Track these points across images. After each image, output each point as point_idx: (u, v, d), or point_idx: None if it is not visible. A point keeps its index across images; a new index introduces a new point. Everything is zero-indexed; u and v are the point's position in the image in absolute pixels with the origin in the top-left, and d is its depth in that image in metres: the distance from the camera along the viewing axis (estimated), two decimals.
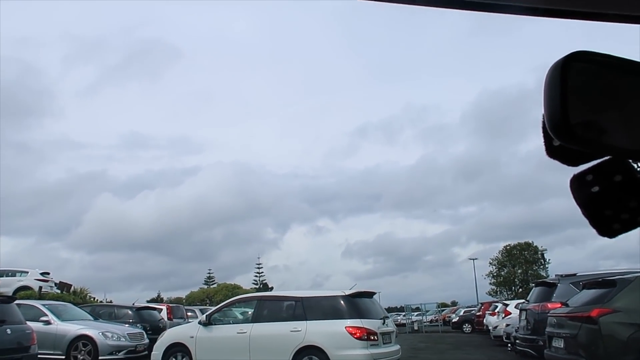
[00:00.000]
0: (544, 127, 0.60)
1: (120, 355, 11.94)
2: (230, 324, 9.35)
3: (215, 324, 9.19)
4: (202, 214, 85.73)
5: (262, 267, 70.82)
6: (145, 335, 13.16)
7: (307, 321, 8.22)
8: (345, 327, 7.89)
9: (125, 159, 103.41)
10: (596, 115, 0.58)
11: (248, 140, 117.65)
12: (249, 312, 9.26)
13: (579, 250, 75.41)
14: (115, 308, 16.10)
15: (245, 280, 70.91)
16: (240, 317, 9.71)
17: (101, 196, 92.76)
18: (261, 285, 67.29)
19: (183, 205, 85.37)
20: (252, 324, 8.75)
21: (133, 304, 16.53)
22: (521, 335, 9.77)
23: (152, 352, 9.73)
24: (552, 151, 0.61)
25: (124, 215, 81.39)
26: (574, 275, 9.11)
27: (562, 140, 0.56)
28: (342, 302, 8.30)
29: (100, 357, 11.53)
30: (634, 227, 0.60)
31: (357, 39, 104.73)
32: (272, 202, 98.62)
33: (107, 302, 25.69)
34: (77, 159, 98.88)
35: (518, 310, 18.85)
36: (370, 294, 9.09)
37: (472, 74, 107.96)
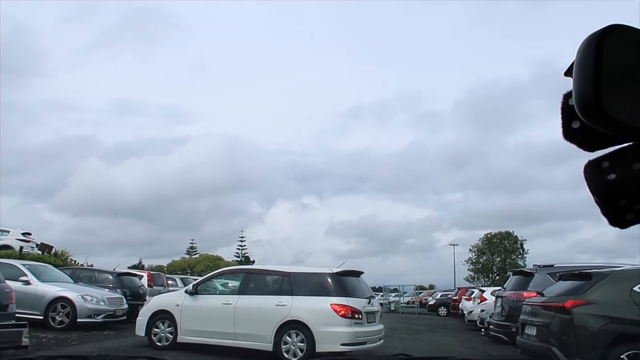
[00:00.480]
0: (563, 108, 0.58)
1: (99, 318, 11.97)
2: (217, 294, 9.37)
3: (201, 294, 9.24)
4: (188, 184, 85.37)
5: (245, 240, 71.20)
6: (125, 301, 13.20)
7: (293, 296, 8.29)
8: (331, 305, 7.96)
9: (114, 125, 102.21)
10: (628, 96, 0.53)
11: (240, 113, 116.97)
12: (236, 284, 9.29)
13: (558, 242, 77.05)
14: (95, 272, 16.06)
15: (228, 253, 71.34)
16: (226, 288, 9.69)
17: (88, 160, 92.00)
18: (243, 258, 67.71)
19: (170, 175, 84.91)
20: (238, 295, 8.79)
21: (114, 269, 16.46)
22: (495, 321, 10.01)
23: (137, 318, 9.75)
24: (570, 134, 0.58)
25: (109, 180, 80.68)
26: (552, 266, 9.32)
27: (591, 121, 0.52)
28: (329, 279, 8.36)
29: (78, 320, 11.55)
30: None
31: (358, 18, 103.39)
32: (260, 176, 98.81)
33: (88, 266, 25.62)
34: (66, 122, 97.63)
35: (494, 297, 19.34)
36: (357, 273, 9.16)
37: (468, 64, 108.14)
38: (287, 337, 8.07)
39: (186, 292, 9.50)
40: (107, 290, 13.46)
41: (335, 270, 8.59)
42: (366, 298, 8.55)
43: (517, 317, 8.84)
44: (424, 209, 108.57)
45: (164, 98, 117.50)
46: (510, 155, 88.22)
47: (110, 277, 15.20)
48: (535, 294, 8.01)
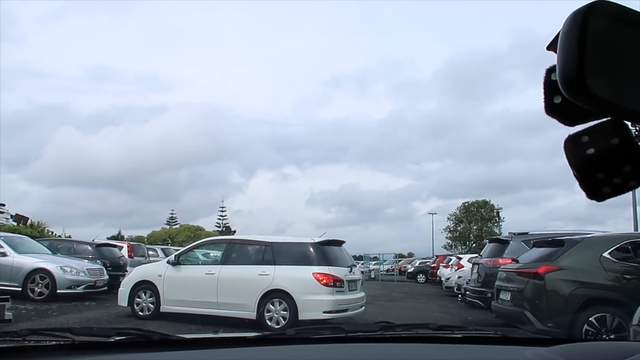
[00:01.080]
0: (546, 82, 0.58)
1: (79, 289, 11.94)
2: (199, 264, 9.43)
3: (184, 264, 9.29)
4: (168, 154, 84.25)
5: (225, 211, 71.10)
6: (105, 272, 13.15)
7: (276, 266, 8.42)
8: (313, 273, 8.11)
9: (89, 92, 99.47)
10: (610, 72, 0.53)
11: (219, 82, 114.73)
12: (218, 255, 9.30)
13: (532, 210, 78.98)
14: (74, 243, 15.89)
15: (209, 223, 71.02)
16: (209, 258, 9.70)
17: (63, 129, 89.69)
18: (224, 228, 67.74)
19: (149, 144, 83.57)
20: (221, 265, 8.87)
21: (93, 240, 16.36)
22: (471, 288, 10.31)
23: (120, 289, 9.79)
24: (552, 109, 0.58)
25: (86, 150, 79.12)
26: (526, 233, 9.57)
27: (573, 96, 0.52)
28: (311, 249, 8.50)
29: (58, 291, 11.50)
30: (624, 192, 0.58)
31: None
32: (240, 146, 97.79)
33: (65, 237, 25.37)
34: (38, 89, 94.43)
35: (471, 264, 19.85)
36: (339, 242, 9.29)
37: (448, 33, 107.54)
38: (270, 306, 8.21)
39: (168, 262, 9.54)
40: (86, 261, 13.38)
41: (317, 239, 8.71)
42: (348, 267, 8.72)
43: (493, 283, 9.11)
44: (403, 178, 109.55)
45: (141, 65, 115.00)
46: (489, 125, 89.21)
47: (90, 248, 15.10)
48: (510, 261, 8.24)
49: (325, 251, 8.54)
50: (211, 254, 9.78)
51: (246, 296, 8.31)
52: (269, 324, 8.10)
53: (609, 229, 9.17)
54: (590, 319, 5.96)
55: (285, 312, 8.12)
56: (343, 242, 9.41)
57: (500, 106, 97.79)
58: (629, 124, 0.57)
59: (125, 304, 9.48)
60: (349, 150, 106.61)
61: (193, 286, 8.87)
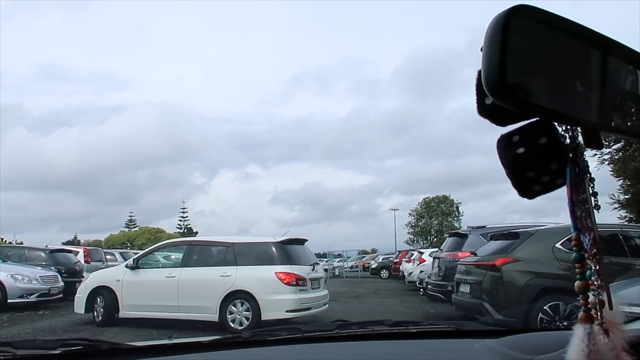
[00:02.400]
0: (478, 84, 0.58)
1: (32, 298, 11.46)
2: (159, 268, 9.25)
3: (143, 268, 9.12)
4: (126, 155, 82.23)
5: (186, 212, 69.89)
6: (60, 279, 12.67)
7: (237, 266, 8.34)
8: (275, 273, 8.08)
9: (41, 92, 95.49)
10: (532, 75, 0.55)
11: (178, 81, 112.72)
12: (179, 257, 9.17)
13: (490, 204, 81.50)
14: (26, 250, 15.21)
15: (170, 225, 69.64)
16: (169, 261, 9.55)
17: (13, 130, 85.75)
18: (185, 230, 66.58)
19: (106, 145, 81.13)
20: (181, 268, 8.74)
21: (46, 245, 15.69)
22: (432, 281, 10.51)
23: (76, 296, 9.53)
24: (484, 109, 0.59)
25: (39, 152, 76.30)
26: (484, 227, 9.83)
27: (497, 98, 0.53)
28: (273, 248, 8.46)
29: (9, 301, 11.01)
30: (553, 189, 0.60)
31: None
32: (201, 145, 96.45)
33: (17, 243, 24.22)
34: None
35: (432, 258, 20.24)
36: (301, 241, 9.26)
37: (406, 32, 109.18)
38: (233, 307, 8.14)
39: (127, 266, 9.35)
40: (39, 268, 12.84)
41: (279, 239, 8.67)
42: (310, 265, 8.72)
43: (453, 277, 9.32)
44: (366, 175, 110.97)
45: (96, 64, 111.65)
46: (448, 122, 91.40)
47: (43, 254, 14.48)
48: (469, 254, 8.44)
49: (287, 250, 8.49)
50: (172, 257, 9.58)
51: (208, 298, 8.21)
52: (232, 325, 8.00)
53: (562, 220, 9.53)
54: (544, 307, 6.19)
55: (247, 313, 8.06)
56: (305, 240, 9.39)
57: (458, 103, 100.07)
58: (556, 124, 0.59)
59: (82, 311, 9.21)
60: (312, 148, 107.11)
61: (153, 290, 8.70)
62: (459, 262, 8.05)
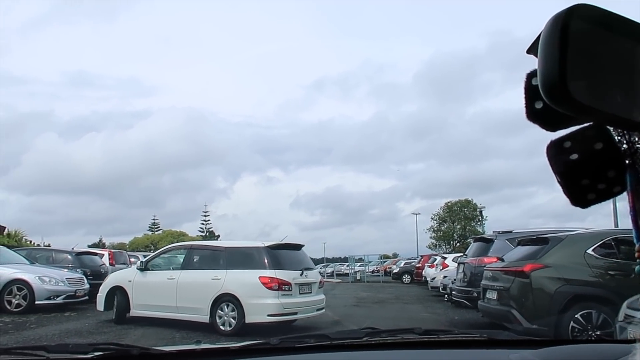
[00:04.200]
0: (527, 88, 0.57)
1: (59, 300, 11.63)
2: (163, 270, 9.61)
3: (151, 270, 9.63)
4: (151, 160, 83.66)
5: (208, 215, 70.60)
6: (86, 281, 12.85)
7: (227, 270, 8.59)
8: (259, 277, 8.22)
9: (70, 98, 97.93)
10: (591, 77, 0.52)
11: (202, 86, 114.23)
12: (180, 260, 9.56)
13: (513, 208, 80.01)
14: (53, 252, 15.50)
15: (192, 228, 70.52)
16: (172, 264, 9.83)
17: (44, 136, 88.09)
18: (207, 233, 67.06)
19: (132, 150, 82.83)
20: (180, 271, 9.17)
21: (72, 248, 16.00)
22: (457, 287, 10.30)
23: (97, 294, 10.13)
24: (533, 114, 0.57)
25: (67, 157, 78.21)
26: (510, 232, 9.60)
27: (554, 102, 0.51)
28: (260, 253, 8.62)
29: (36, 302, 11.18)
30: (609, 198, 0.57)
31: None
32: (224, 150, 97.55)
33: (45, 246, 24.72)
34: (19, 95, 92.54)
35: (455, 263, 19.91)
36: (294, 246, 9.40)
37: (428, 35, 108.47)
38: (220, 310, 8.39)
39: (138, 268, 9.89)
40: (66, 270, 13.05)
41: (267, 244, 8.81)
42: (299, 270, 8.70)
43: (479, 283, 9.11)
44: (387, 179, 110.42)
45: (123, 70, 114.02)
46: (469, 125, 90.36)
47: (69, 256, 14.74)
48: (495, 260, 8.25)
49: (274, 255, 8.60)
50: (174, 260, 9.91)
51: (200, 300, 8.52)
52: (221, 327, 8.27)
53: (589, 225, 9.28)
54: (576, 316, 5.97)
55: (234, 315, 8.27)
56: (301, 245, 9.53)
57: (479, 107, 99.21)
58: (611, 128, 0.57)
59: (102, 309, 9.85)
60: (333, 152, 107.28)
61: (156, 291, 9.18)
62: (485, 268, 7.85)
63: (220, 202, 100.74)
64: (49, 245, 23.49)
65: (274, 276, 8.21)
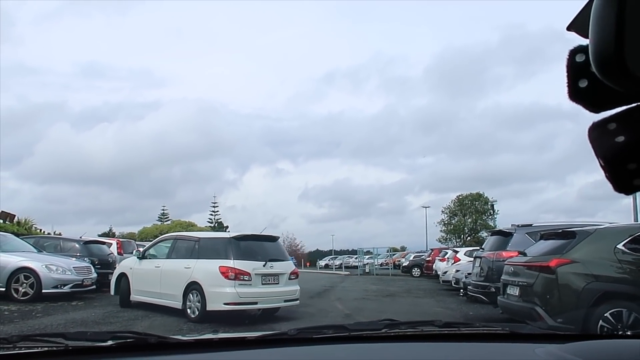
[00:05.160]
0: (569, 65, 0.53)
1: (66, 289, 11.48)
2: (154, 259, 10.21)
3: (146, 258, 10.33)
4: (161, 151, 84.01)
5: (217, 206, 70.73)
6: (93, 270, 12.71)
7: (198, 260, 8.99)
8: (219, 267, 8.51)
9: (82, 89, 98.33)
10: None
11: (213, 77, 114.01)
12: (166, 250, 10.13)
13: (523, 203, 79.49)
14: (61, 241, 15.40)
15: (202, 219, 70.61)
16: (162, 253, 10.32)
17: (56, 126, 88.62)
18: (216, 224, 67.18)
19: (142, 141, 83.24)
20: (165, 260, 9.79)
21: (80, 237, 15.85)
22: (474, 282, 9.96)
23: (111, 279, 11.22)
24: (577, 93, 0.53)
25: (79, 147, 78.72)
26: (530, 225, 9.23)
27: (610, 77, 0.48)
28: (225, 244, 8.95)
29: (43, 290, 11.04)
30: None
31: None
32: (234, 142, 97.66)
33: (55, 234, 24.67)
34: (31, 86, 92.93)
35: (467, 257, 19.55)
36: (269, 238, 9.75)
37: (440, 28, 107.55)
38: (189, 297, 8.76)
39: (137, 257, 10.66)
40: (74, 259, 12.90)
41: (233, 235, 9.17)
42: (264, 261, 8.83)
43: (496, 277, 8.79)
44: (396, 172, 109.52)
45: (134, 61, 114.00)
46: (479, 119, 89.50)
47: (77, 245, 14.61)
48: (515, 254, 7.90)
49: (238, 246, 8.87)
50: (163, 250, 10.37)
51: (176, 287, 8.99)
52: (189, 313, 8.68)
53: (599, 221, 8.90)
54: (605, 314, 5.62)
55: (199, 303, 8.59)
56: (275, 237, 9.95)
57: (490, 101, 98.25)
58: None
59: (113, 293, 10.81)
60: (342, 145, 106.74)
61: (147, 278, 9.86)
62: (505, 263, 7.50)
63: (229, 193, 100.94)
64: (59, 234, 23.43)
65: (233, 266, 8.48)
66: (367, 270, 35.26)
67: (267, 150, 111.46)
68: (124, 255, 16.61)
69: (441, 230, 54.45)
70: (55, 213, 73.77)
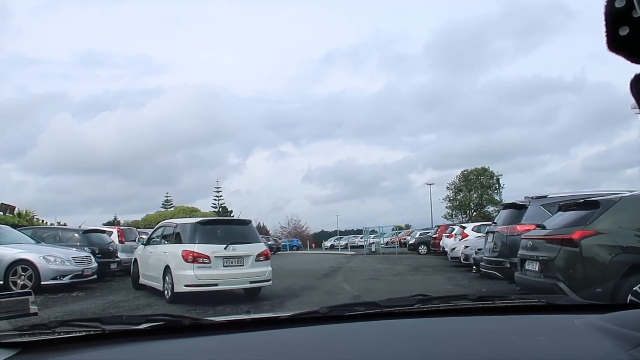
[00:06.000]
0: (607, 12, 0.49)
1: (65, 280, 11.17)
2: (152, 245, 10.82)
3: (149, 244, 10.99)
4: (164, 137, 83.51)
5: (221, 191, 70.31)
6: (94, 259, 12.38)
7: (172, 244, 9.59)
8: (182, 251, 9.00)
9: (82, 78, 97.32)
10: None
11: (213, 62, 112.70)
12: (159, 237, 10.75)
13: (527, 177, 78.94)
14: (59, 231, 15.04)
15: (206, 204, 70.37)
16: (156, 240, 10.86)
17: (58, 116, 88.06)
18: (220, 209, 66.99)
19: (145, 128, 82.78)
20: (157, 245, 10.46)
21: (80, 226, 15.51)
22: (487, 258, 9.57)
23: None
24: (617, 42, 0.50)
25: (82, 136, 78.27)
26: (545, 197, 8.78)
27: None
28: (189, 229, 9.42)
29: (42, 282, 10.73)
30: None
31: None
32: (236, 126, 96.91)
33: (60, 225, 24.34)
34: (31, 76, 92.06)
35: (475, 233, 19.17)
36: (240, 221, 10.38)
37: (439, 3, 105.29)
38: (166, 279, 9.30)
39: (142, 243, 11.72)
40: (74, 249, 12.57)
41: (198, 220, 9.75)
42: (225, 244, 9.11)
43: (511, 253, 8.40)
44: (398, 151, 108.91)
45: (133, 48, 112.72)
46: (481, 95, 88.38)
47: (76, 235, 14.24)
48: (532, 227, 7.49)
49: (201, 230, 9.31)
50: (158, 236, 10.91)
51: (158, 271, 9.66)
52: (165, 295, 9.23)
53: (614, 190, 8.43)
54: (635, 287, 5.22)
55: (170, 285, 9.07)
56: (246, 221, 10.30)
57: (492, 75, 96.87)
58: None
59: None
60: (344, 125, 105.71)
61: (146, 262, 10.70)
62: (522, 237, 7.08)
63: (233, 178, 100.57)
64: (64, 225, 23.11)
65: (192, 249, 8.93)
66: (373, 250, 35.01)
67: (269, 134, 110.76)
68: (126, 243, 16.32)
69: (447, 207, 54.10)
70: (60, 203, 73.74)
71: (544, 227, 6.56)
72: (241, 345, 1.27)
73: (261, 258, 9.44)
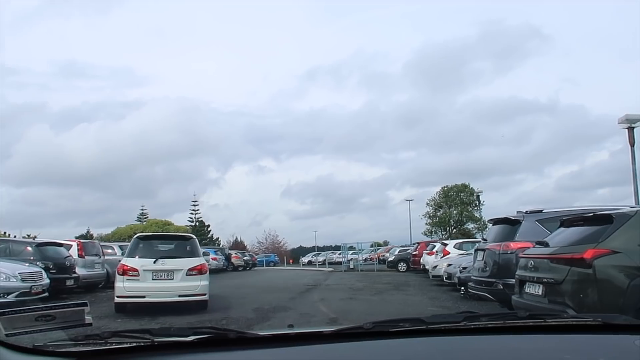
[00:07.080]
0: None
1: (11, 298, 9.98)
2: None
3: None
4: (143, 150, 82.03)
5: (197, 205, 68.81)
6: (45, 275, 11.20)
7: (124, 258, 10.15)
8: (120, 263, 9.74)
9: (61, 89, 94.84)
10: None
11: (195, 76, 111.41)
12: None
13: (503, 195, 79.59)
14: (10, 243, 13.74)
15: (183, 218, 68.66)
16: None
17: (34, 127, 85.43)
18: (197, 223, 65.40)
19: (124, 140, 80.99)
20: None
21: (34, 238, 14.29)
22: (476, 278, 8.79)
23: None
24: None
25: (59, 148, 76.18)
26: (540, 211, 8.07)
27: None
28: (132, 242, 10.25)
29: None
30: None
31: None
32: (217, 140, 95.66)
33: (30, 238, 22.76)
34: (8, 86, 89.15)
35: (457, 250, 18.49)
36: (180, 237, 11.00)
37: (419, 24, 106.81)
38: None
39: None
40: (27, 264, 11.38)
41: (138, 235, 10.48)
42: (154, 258, 9.48)
43: (504, 273, 7.67)
44: (378, 167, 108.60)
45: (115, 60, 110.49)
46: (459, 114, 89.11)
47: (29, 248, 13.02)
48: (528, 244, 6.76)
49: (137, 244, 9.97)
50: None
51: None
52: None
53: (600, 206, 7.75)
54: None
55: None
56: (187, 237, 10.61)
57: (470, 95, 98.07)
58: None
59: None
60: (325, 141, 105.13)
61: None
62: (521, 255, 6.33)
63: (212, 192, 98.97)
64: (34, 237, 21.54)
65: (124, 263, 9.56)
66: (351, 266, 34.09)
67: (250, 148, 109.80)
68: (87, 258, 15.12)
69: (426, 223, 53.61)
70: (34, 216, 71.38)
71: (546, 245, 5.80)
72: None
73: (193, 272, 9.58)
